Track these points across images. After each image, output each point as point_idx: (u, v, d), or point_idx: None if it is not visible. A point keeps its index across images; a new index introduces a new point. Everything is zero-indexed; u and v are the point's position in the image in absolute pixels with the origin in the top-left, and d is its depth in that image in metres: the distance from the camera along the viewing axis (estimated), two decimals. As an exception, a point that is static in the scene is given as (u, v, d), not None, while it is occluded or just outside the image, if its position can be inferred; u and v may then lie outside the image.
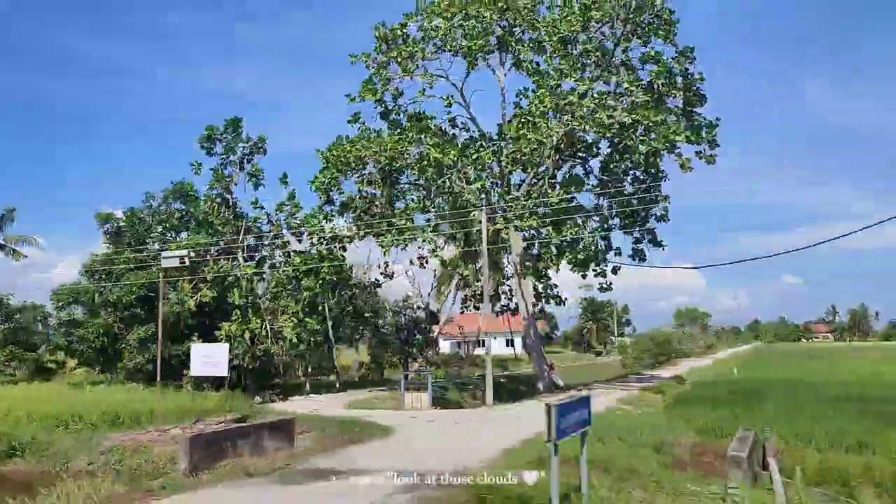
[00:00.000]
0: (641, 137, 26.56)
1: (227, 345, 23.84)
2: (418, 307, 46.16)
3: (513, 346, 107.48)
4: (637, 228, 32.84)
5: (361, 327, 43.10)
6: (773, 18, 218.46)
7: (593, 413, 10.03)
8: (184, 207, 38.11)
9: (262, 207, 35.18)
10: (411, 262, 39.36)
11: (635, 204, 32.56)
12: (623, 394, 30.28)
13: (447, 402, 28.59)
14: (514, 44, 31.14)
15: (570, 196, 28.78)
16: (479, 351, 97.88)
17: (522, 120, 27.77)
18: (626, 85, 27.01)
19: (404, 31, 31.25)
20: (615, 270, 34.83)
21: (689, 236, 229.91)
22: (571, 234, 26.61)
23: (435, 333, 49.48)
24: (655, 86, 28.09)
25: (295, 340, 32.53)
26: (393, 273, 38.55)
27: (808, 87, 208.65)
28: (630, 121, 25.74)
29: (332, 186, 30.20)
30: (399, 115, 32.82)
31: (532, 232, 28.82)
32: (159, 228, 38.00)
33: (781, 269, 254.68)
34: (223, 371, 22.52)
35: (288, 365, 41.87)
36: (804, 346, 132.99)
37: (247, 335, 32.17)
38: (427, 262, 38.33)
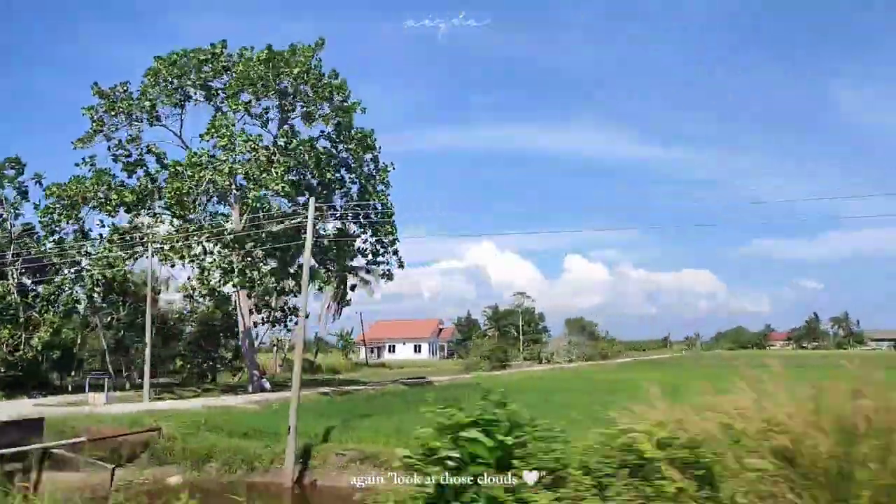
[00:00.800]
0: (251, 187, 32.01)
1: None
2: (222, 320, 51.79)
3: (419, 351, 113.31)
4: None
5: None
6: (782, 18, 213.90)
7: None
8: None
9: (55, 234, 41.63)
10: (189, 279, 45.31)
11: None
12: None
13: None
14: (214, 99, 37.04)
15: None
16: (389, 356, 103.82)
17: (177, 168, 33.44)
18: (246, 142, 32.41)
19: (125, 87, 37.08)
20: (353, 288, 43.26)
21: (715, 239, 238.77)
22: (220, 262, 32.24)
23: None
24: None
25: (40, 348, 38.56)
26: (164, 290, 44.88)
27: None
28: (243, 173, 31.24)
29: (55, 219, 36.10)
30: (142, 156, 38.61)
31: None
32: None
33: (797, 273, 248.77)
34: None
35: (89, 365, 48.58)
36: (743, 353, 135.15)
37: (-2, 343, 38.31)
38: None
